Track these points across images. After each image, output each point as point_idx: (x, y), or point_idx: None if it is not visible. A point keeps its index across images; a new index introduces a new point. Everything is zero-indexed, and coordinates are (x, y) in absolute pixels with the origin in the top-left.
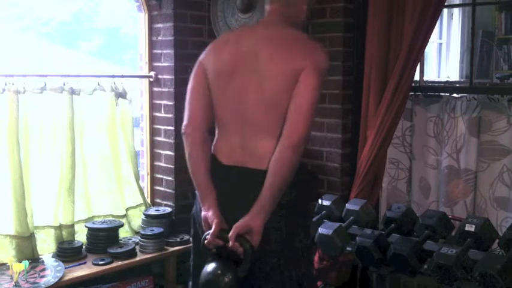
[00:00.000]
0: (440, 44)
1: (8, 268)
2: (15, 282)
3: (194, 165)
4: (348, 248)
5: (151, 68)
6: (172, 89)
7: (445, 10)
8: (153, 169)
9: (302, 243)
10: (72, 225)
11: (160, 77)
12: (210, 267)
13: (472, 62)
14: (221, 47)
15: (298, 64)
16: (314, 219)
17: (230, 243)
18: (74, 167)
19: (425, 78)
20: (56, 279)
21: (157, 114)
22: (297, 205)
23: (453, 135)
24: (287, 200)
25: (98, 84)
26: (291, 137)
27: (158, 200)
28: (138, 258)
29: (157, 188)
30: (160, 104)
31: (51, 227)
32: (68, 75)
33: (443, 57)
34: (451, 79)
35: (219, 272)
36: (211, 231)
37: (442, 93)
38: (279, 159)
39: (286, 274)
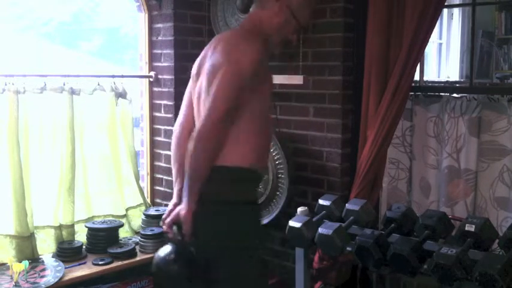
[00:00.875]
0: (440, 44)
1: (8, 268)
2: (15, 282)
3: (172, 160)
4: (348, 248)
5: (151, 68)
6: (172, 89)
7: (445, 10)
8: (153, 169)
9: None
10: (72, 225)
11: (160, 77)
12: (162, 251)
13: (472, 62)
14: (202, 52)
15: (218, 61)
16: (314, 219)
17: (164, 227)
18: (74, 167)
19: (425, 78)
20: (56, 279)
21: (157, 114)
22: (234, 207)
23: (453, 135)
24: (223, 199)
25: (98, 84)
26: (197, 129)
27: (158, 200)
28: (138, 258)
29: (157, 188)
30: (160, 104)
31: (51, 227)
32: (68, 75)
33: (443, 57)
34: (451, 79)
35: (168, 257)
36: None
37: (442, 93)
38: (186, 149)
39: (225, 269)
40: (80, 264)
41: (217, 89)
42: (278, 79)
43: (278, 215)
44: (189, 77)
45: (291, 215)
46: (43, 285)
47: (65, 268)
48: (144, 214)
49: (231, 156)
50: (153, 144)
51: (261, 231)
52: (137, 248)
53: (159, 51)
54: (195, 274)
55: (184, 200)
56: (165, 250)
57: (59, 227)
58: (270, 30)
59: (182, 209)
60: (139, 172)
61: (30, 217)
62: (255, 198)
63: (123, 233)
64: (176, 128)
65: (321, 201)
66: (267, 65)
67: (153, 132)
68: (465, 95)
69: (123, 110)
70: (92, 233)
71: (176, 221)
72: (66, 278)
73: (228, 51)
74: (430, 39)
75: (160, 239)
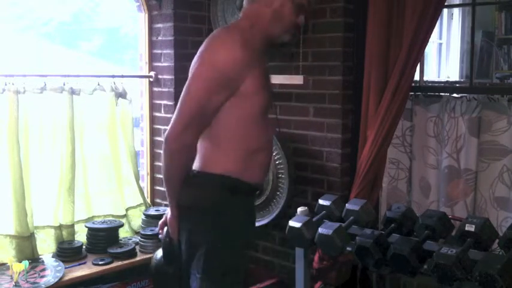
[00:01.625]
0: (440, 44)
1: (8, 268)
2: (15, 282)
3: None
4: (348, 248)
5: (151, 68)
6: (172, 89)
7: (445, 10)
8: (153, 169)
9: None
10: (72, 225)
11: (160, 77)
12: (159, 252)
13: (472, 62)
14: None
15: (193, 61)
16: (314, 219)
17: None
18: (74, 167)
19: (425, 78)
20: (56, 279)
21: (157, 114)
22: (195, 210)
23: (453, 135)
24: (182, 202)
25: (98, 84)
26: (165, 135)
27: (158, 200)
28: (138, 258)
29: (157, 188)
30: (160, 104)
31: (51, 227)
32: (68, 75)
33: (443, 57)
34: (451, 79)
35: (161, 258)
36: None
37: (442, 93)
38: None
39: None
40: (80, 264)
41: (185, 92)
42: (278, 79)
43: (278, 215)
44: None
45: (291, 215)
46: (43, 285)
47: (65, 268)
48: (144, 214)
49: (210, 162)
50: (153, 144)
51: (233, 244)
52: (137, 248)
53: (159, 51)
54: (182, 276)
55: (168, 204)
56: (161, 252)
57: (59, 227)
58: (264, 24)
59: (168, 212)
60: (139, 172)
61: (30, 217)
62: (233, 207)
63: (123, 233)
64: None
65: (321, 201)
66: (257, 64)
67: (153, 132)
68: (465, 95)
69: (123, 110)
70: (92, 233)
71: (166, 223)
72: (66, 278)
73: (202, 51)
74: (430, 39)
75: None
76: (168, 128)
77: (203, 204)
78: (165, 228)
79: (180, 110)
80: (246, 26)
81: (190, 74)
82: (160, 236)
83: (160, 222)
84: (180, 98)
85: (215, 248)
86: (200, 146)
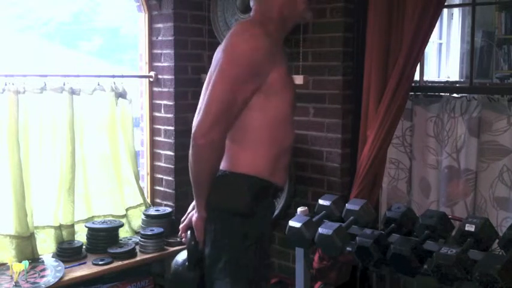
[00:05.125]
0: (440, 44)
1: (8, 268)
2: (15, 282)
3: None
4: (348, 248)
5: (151, 68)
6: (172, 89)
7: (445, 10)
8: (153, 169)
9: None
10: (72, 225)
11: (160, 77)
12: (179, 257)
13: (472, 62)
14: None
15: (216, 57)
16: (314, 219)
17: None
18: (74, 167)
19: (425, 78)
20: (56, 279)
21: (157, 114)
22: (223, 213)
23: (453, 135)
24: (209, 203)
25: (98, 84)
26: (192, 134)
27: (158, 200)
28: (138, 258)
29: (157, 188)
30: (160, 104)
31: (51, 227)
32: (68, 75)
33: (443, 57)
34: (451, 79)
35: (184, 263)
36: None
37: (442, 93)
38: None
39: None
40: (80, 264)
41: (211, 88)
42: None
43: (278, 215)
44: (189, 77)
45: (291, 215)
46: (43, 285)
47: (65, 268)
48: (144, 214)
49: (240, 162)
50: (153, 144)
51: (259, 245)
52: (137, 248)
53: (159, 51)
54: (203, 281)
55: (196, 206)
56: (182, 256)
57: (59, 227)
58: (280, 12)
59: (194, 215)
60: (139, 172)
61: (30, 217)
62: (260, 209)
63: (123, 233)
64: None
65: (321, 201)
66: (280, 59)
67: (153, 132)
68: (465, 95)
69: (123, 110)
70: (92, 233)
71: (190, 226)
72: (66, 278)
73: (223, 47)
74: (430, 39)
75: (160, 239)
76: (194, 125)
77: (233, 205)
78: (189, 231)
79: (207, 106)
80: (262, 19)
81: (214, 72)
82: (183, 239)
83: (182, 225)
84: (207, 95)
85: (243, 250)
86: (229, 145)
